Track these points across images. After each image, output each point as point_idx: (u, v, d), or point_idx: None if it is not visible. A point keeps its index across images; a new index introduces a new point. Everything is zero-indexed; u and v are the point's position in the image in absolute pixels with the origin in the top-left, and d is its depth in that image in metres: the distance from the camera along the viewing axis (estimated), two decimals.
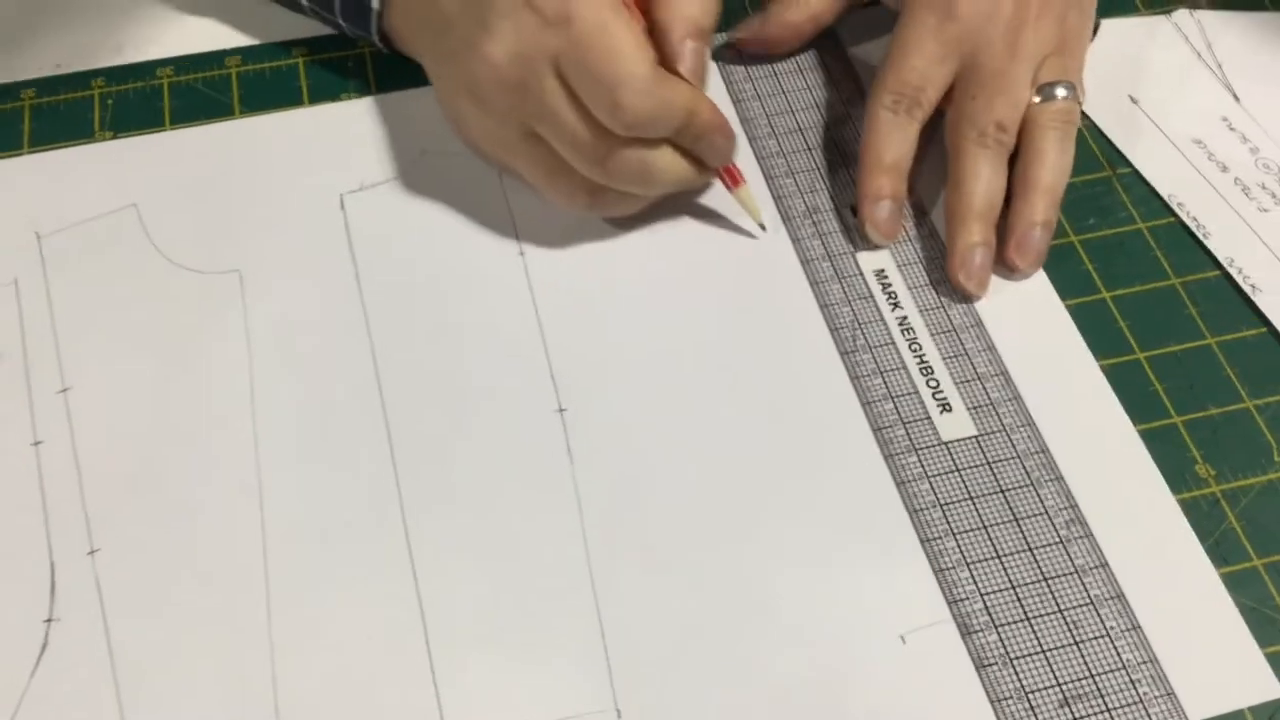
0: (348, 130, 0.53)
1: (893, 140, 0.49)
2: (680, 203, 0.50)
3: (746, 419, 0.45)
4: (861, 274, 0.49)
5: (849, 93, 0.55)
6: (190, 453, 0.44)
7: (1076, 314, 0.48)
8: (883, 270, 0.49)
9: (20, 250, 0.49)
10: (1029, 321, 0.48)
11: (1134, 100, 0.55)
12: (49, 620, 0.41)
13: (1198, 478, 0.45)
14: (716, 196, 0.51)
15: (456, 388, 0.46)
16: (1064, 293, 0.49)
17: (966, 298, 0.48)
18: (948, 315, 0.48)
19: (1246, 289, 0.49)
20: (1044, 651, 0.40)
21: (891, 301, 0.49)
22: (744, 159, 0.51)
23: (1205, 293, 0.49)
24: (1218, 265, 0.50)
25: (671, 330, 0.48)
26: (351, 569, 0.42)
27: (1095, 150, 0.53)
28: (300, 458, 0.44)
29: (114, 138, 0.52)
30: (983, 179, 0.48)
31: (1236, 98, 0.55)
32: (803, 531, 0.43)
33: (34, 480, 0.43)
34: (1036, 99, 0.49)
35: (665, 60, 0.45)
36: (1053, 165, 0.49)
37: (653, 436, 0.45)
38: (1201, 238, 0.51)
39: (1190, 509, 0.44)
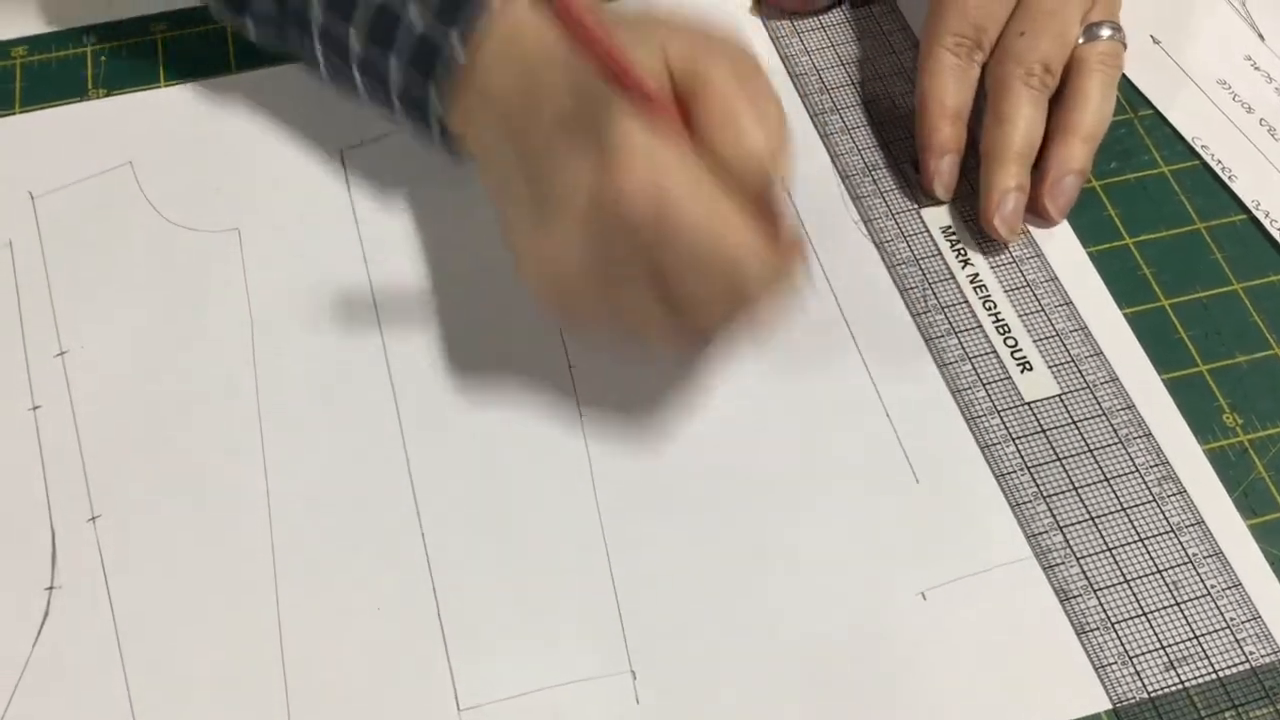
0: None
1: (955, 86, 0.48)
2: None
3: (785, 387, 0.44)
4: (928, 231, 0.48)
5: (900, 44, 0.53)
6: (192, 415, 0.43)
7: (1099, 261, 0.47)
8: (949, 226, 0.48)
9: (14, 211, 0.48)
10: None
11: (1155, 40, 0.53)
12: (51, 588, 0.40)
13: (1225, 427, 0.43)
14: None
15: (464, 347, 0.45)
16: (1086, 239, 0.48)
17: (997, 241, 0.47)
18: (1020, 270, 0.47)
19: (1274, 232, 0.48)
20: (1145, 614, 0.40)
21: (961, 259, 0.47)
22: (797, 117, 0.49)
23: (1231, 237, 0.48)
24: (1244, 209, 0.48)
25: None
26: (359, 534, 0.41)
27: (1117, 92, 0.51)
28: (304, 419, 0.43)
29: (107, 95, 0.51)
30: (1024, 119, 0.46)
31: (1261, 36, 0.54)
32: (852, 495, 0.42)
33: (33, 446, 0.43)
34: (1081, 40, 0.47)
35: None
36: (1095, 110, 0.47)
37: (667, 394, 0.44)
38: (1227, 180, 0.49)
39: (1217, 459, 0.43)
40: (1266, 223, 0.48)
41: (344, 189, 0.48)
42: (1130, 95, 0.52)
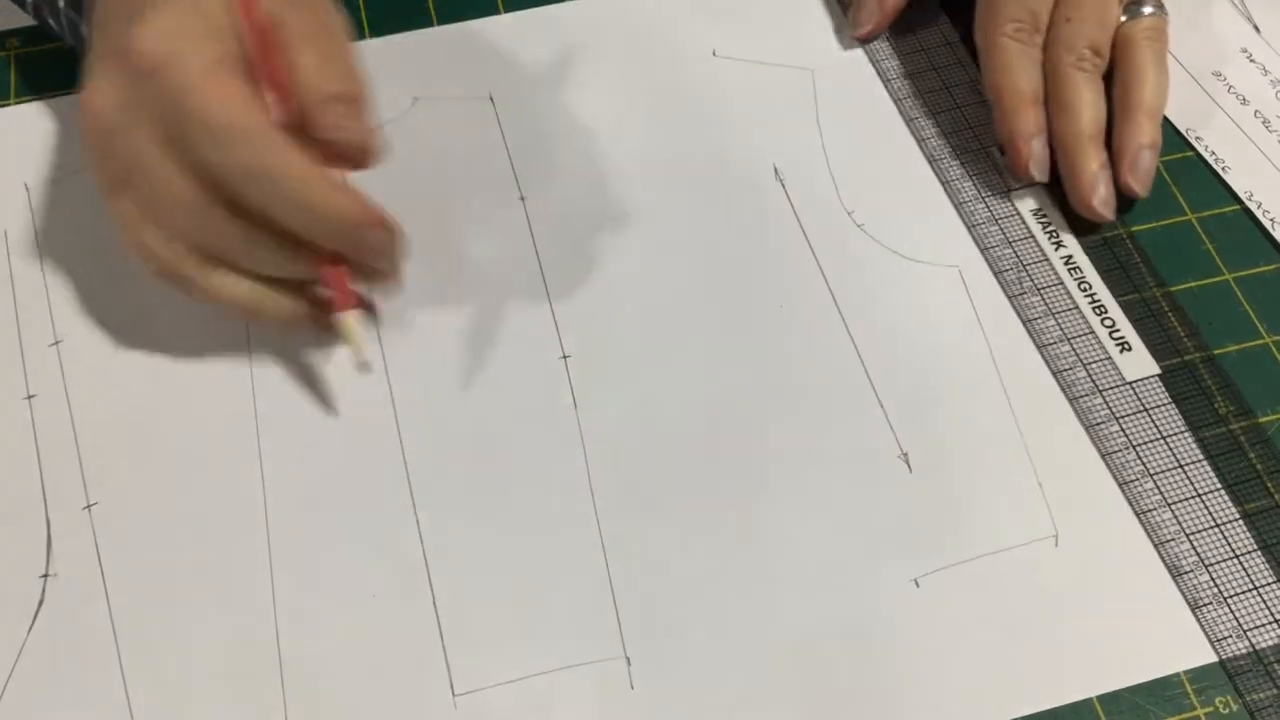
0: None
1: (1026, 71, 0.48)
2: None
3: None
4: (1019, 214, 0.48)
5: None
6: (186, 403, 0.43)
7: (1093, 252, 0.47)
8: (1039, 209, 0.48)
9: (10, 202, 0.48)
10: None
11: None
12: (46, 575, 0.40)
13: (1217, 415, 0.43)
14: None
15: (458, 333, 0.45)
16: (1080, 231, 0.48)
17: (1096, 222, 0.47)
18: (1113, 252, 0.47)
19: (1266, 224, 0.48)
20: (1256, 589, 0.40)
21: (1054, 241, 0.47)
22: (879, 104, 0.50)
23: (1224, 228, 0.48)
24: (1237, 200, 0.49)
25: (688, 271, 0.47)
26: (354, 520, 0.41)
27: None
28: (300, 408, 0.43)
29: None
30: (1088, 103, 0.47)
31: (1257, 28, 0.54)
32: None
33: (28, 435, 0.43)
34: (1123, 18, 0.48)
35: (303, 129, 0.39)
36: (1154, 84, 0.47)
37: (661, 383, 0.44)
38: (1220, 172, 0.49)
39: (1209, 447, 0.43)
40: (1259, 213, 0.48)
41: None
42: None
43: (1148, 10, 0.49)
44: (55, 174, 0.48)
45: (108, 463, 0.42)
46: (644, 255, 0.47)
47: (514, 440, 0.43)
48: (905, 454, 0.43)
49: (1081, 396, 0.44)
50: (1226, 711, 0.38)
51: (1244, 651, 0.39)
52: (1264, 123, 0.50)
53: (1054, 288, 0.46)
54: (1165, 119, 0.50)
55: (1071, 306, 0.46)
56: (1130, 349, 0.45)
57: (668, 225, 0.48)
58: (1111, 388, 0.44)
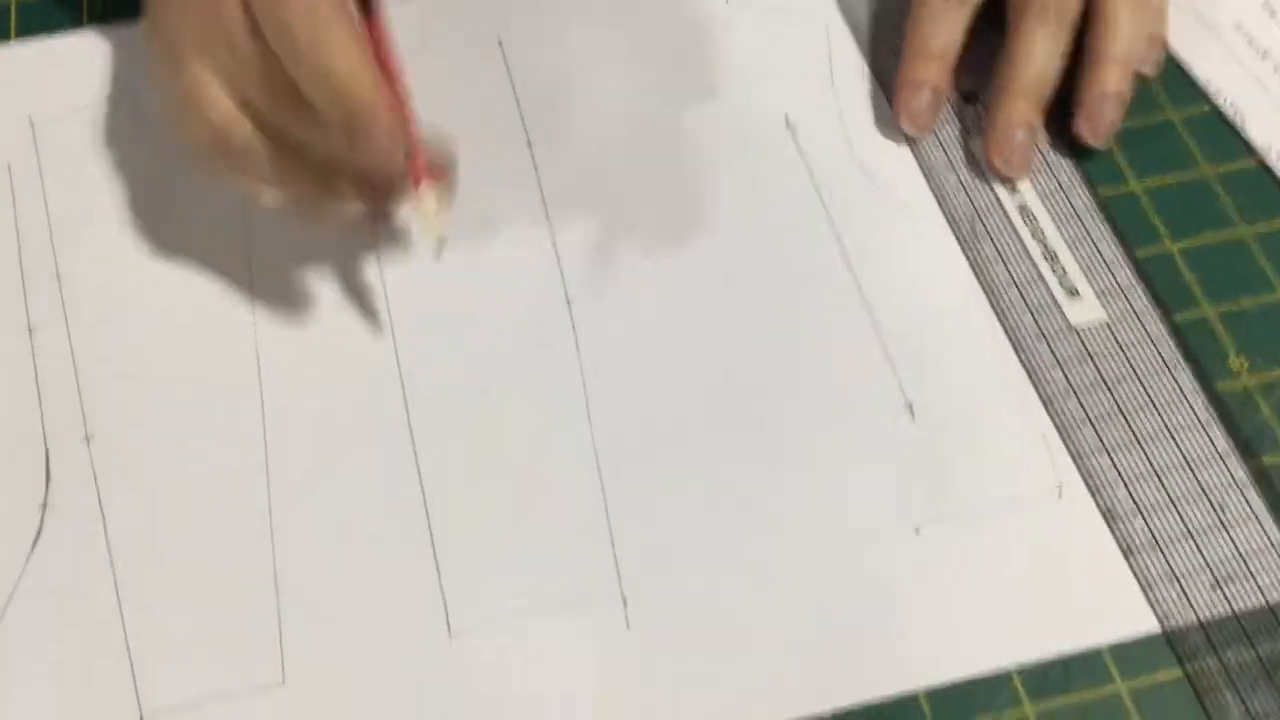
0: None
1: (940, 28, 0.47)
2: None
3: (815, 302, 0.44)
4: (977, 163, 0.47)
5: None
6: (186, 339, 0.43)
7: (1107, 205, 0.46)
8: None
9: (14, 137, 0.48)
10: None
11: None
12: (44, 505, 0.40)
13: (1230, 371, 0.43)
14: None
15: (462, 275, 0.45)
16: (1094, 183, 0.47)
17: (1003, 180, 0.46)
18: (1069, 200, 0.46)
19: None
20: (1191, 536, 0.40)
21: (1010, 188, 0.46)
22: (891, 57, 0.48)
23: (1241, 183, 0.47)
24: (1255, 154, 0.48)
25: (696, 217, 0.46)
26: (353, 458, 0.41)
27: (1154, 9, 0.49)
28: (301, 342, 0.43)
29: (106, 25, 0.51)
30: (1037, 55, 0.45)
31: None
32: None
33: (28, 366, 0.43)
34: None
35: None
36: (1126, 34, 0.45)
37: (665, 328, 0.44)
38: (1239, 126, 0.48)
39: (1223, 402, 0.42)
40: (1278, 168, 0.47)
41: None
42: None
43: None
44: (60, 110, 0.48)
45: (107, 396, 0.42)
46: (651, 201, 0.46)
47: (516, 383, 0.43)
48: (910, 403, 0.42)
49: (1025, 340, 0.43)
50: None
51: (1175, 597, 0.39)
52: None
53: (1006, 234, 0.45)
54: (1182, 70, 0.50)
55: (1022, 253, 0.45)
56: (1078, 295, 0.44)
57: (676, 172, 0.47)
58: (1057, 333, 0.43)
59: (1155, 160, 0.48)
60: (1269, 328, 0.44)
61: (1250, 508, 0.40)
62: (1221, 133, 0.48)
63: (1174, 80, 0.50)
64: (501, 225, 0.46)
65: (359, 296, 0.44)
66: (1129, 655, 0.38)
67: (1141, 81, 0.48)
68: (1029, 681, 0.38)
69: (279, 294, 0.44)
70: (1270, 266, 0.45)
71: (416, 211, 0.40)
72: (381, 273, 0.44)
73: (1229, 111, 0.49)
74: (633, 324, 0.44)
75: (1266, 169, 0.47)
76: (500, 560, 0.39)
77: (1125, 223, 0.46)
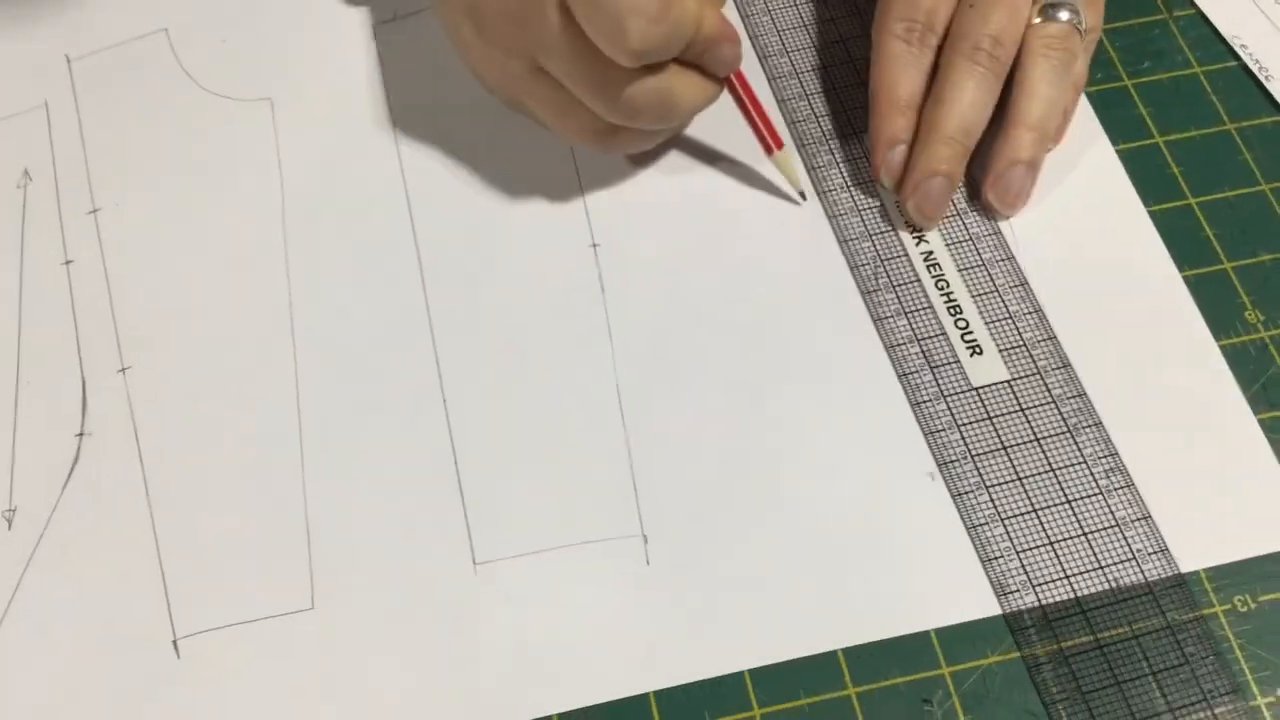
0: None
1: (907, 75, 0.44)
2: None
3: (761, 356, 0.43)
4: (884, 206, 0.46)
5: (865, 3, 0.49)
6: (221, 276, 0.44)
7: (1127, 159, 0.47)
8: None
9: (51, 73, 0.48)
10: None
11: None
12: (80, 434, 0.41)
13: (1246, 324, 0.43)
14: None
15: (490, 220, 0.45)
16: (1116, 137, 0.47)
17: (915, 228, 0.45)
18: (976, 249, 0.44)
19: None
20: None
21: (916, 234, 0.45)
22: (755, 80, 0.46)
23: (1262, 138, 0.47)
24: (1278, 109, 0.48)
25: (723, 163, 0.47)
26: (381, 393, 0.42)
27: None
28: (331, 281, 0.44)
29: None
30: (964, 101, 0.43)
31: None
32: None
33: (65, 298, 0.44)
34: (1037, 19, 0.44)
35: None
36: (1043, 99, 0.44)
37: (687, 272, 0.44)
38: (1263, 80, 0.48)
39: (1237, 354, 0.43)
40: None
41: (376, 62, 0.49)
42: None
43: (1064, 16, 0.44)
44: (96, 46, 0.49)
45: (142, 329, 0.43)
46: (674, 146, 0.47)
47: (542, 324, 0.43)
48: None
49: (924, 402, 0.42)
50: (1245, 609, 0.39)
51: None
52: None
53: (910, 285, 0.44)
54: (1208, 24, 0.50)
55: (926, 305, 0.43)
56: (981, 352, 0.42)
57: (699, 118, 0.48)
58: (956, 393, 0.41)
59: (1179, 119, 0.48)
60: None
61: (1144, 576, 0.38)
62: (1245, 87, 0.49)
63: (1197, 35, 0.50)
64: (528, 169, 0.46)
65: (391, 241, 0.45)
66: None
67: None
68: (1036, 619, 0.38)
69: (311, 237, 0.45)
70: None
71: (782, 168, 0.45)
72: (414, 229, 0.45)
73: (1253, 66, 0.49)
74: (656, 268, 0.44)
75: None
76: (524, 494, 0.40)
77: (1145, 176, 0.46)
